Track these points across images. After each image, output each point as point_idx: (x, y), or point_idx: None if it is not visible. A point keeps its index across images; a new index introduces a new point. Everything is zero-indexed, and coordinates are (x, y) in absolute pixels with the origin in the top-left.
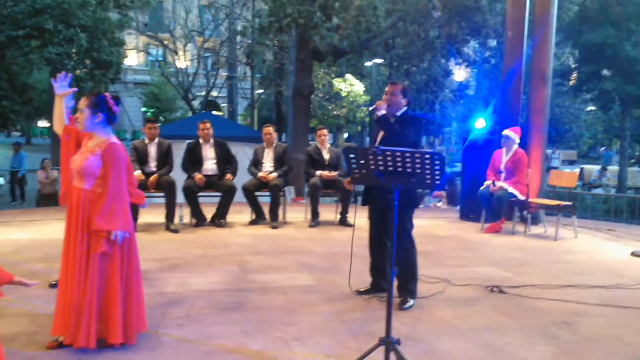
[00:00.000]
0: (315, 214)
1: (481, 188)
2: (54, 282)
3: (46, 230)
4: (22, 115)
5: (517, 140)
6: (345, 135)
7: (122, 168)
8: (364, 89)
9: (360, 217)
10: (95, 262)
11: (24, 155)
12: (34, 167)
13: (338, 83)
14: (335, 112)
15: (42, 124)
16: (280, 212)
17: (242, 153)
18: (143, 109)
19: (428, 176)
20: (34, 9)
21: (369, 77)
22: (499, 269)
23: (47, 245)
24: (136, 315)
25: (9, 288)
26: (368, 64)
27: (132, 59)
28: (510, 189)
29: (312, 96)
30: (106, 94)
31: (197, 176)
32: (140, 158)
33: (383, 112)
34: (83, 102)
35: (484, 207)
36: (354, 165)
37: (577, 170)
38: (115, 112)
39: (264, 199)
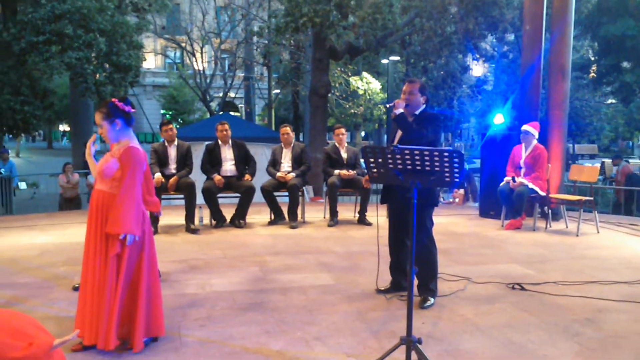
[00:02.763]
0: (334, 213)
1: (501, 184)
2: (76, 285)
3: (69, 234)
4: (44, 120)
5: (537, 136)
6: (363, 133)
7: (138, 171)
8: (380, 86)
9: (380, 215)
10: (112, 263)
11: (12, 163)
12: (57, 171)
13: (355, 81)
14: (352, 111)
15: (63, 128)
16: (299, 211)
17: (261, 153)
18: (162, 111)
19: (447, 174)
20: (54, 14)
21: (386, 75)
22: (520, 266)
23: (70, 249)
24: (154, 318)
25: (34, 291)
26: (385, 61)
27: (150, 61)
28: (531, 185)
29: (329, 95)
30: (114, 99)
31: (216, 177)
32: (161, 161)
33: (401, 110)
34: (98, 117)
35: (504, 204)
36: (372, 165)
37: (597, 164)
38: (129, 113)
39: (283, 198)
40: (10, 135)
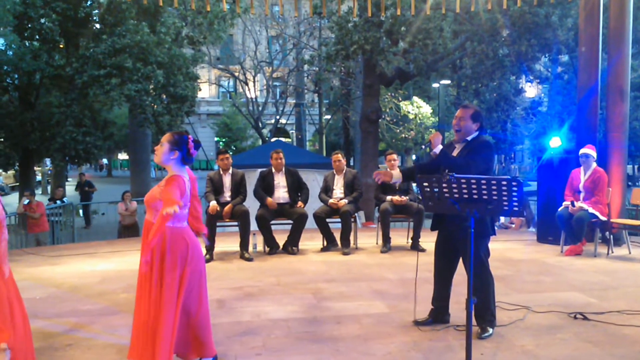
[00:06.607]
0: (386, 239)
1: (559, 209)
2: None
3: (129, 261)
4: (104, 149)
5: (595, 158)
6: (414, 157)
7: (178, 190)
8: (431, 110)
9: (432, 241)
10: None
11: None
12: (116, 199)
13: (405, 106)
14: (403, 135)
15: (122, 156)
16: (351, 238)
17: (312, 179)
18: (216, 139)
19: (505, 202)
20: (114, 49)
21: (437, 99)
22: (582, 294)
23: (130, 275)
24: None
25: (96, 317)
26: (435, 85)
27: (205, 91)
28: (591, 209)
29: (380, 120)
30: (189, 136)
31: (269, 200)
32: (216, 189)
33: (440, 147)
34: (165, 137)
35: (563, 229)
36: (427, 194)
37: None
38: (192, 155)
39: (335, 225)
40: (73, 165)
